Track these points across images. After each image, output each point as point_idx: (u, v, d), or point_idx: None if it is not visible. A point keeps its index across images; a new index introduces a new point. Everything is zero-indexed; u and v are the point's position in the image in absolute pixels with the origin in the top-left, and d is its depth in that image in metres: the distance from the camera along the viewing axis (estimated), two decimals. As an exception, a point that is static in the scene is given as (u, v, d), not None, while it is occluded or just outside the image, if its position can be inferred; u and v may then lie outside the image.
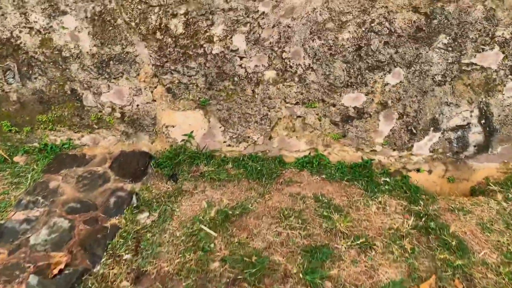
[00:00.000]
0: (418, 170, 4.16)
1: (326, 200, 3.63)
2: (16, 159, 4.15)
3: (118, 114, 4.16)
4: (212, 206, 3.52)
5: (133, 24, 3.72)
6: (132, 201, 3.53)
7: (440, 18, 3.51)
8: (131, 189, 3.68)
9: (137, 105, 4.11)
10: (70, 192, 3.62)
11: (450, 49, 3.61)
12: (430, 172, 4.16)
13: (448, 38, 3.58)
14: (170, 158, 4.07)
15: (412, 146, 4.08)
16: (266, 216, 3.41)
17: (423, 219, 3.40)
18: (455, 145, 4.02)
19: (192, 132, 4.16)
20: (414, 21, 3.54)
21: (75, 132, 4.27)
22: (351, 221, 3.37)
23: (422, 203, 3.63)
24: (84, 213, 3.36)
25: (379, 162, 4.17)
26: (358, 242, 3.15)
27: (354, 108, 3.96)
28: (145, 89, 4.03)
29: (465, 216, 3.47)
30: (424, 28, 3.56)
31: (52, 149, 4.21)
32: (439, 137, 4.00)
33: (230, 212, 3.42)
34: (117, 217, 3.35)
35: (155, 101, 4.08)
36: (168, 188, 3.79)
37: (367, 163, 4.13)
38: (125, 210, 3.41)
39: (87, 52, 3.87)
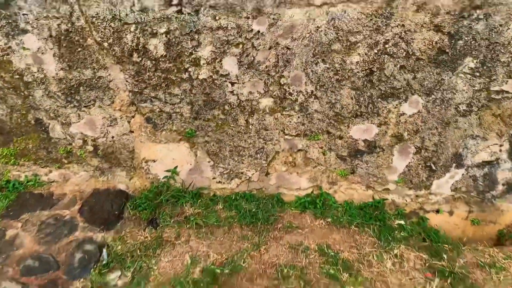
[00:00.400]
0: (437, 211, 3.61)
1: (332, 253, 3.06)
2: (-28, 198, 3.58)
3: (90, 147, 3.60)
4: (197, 262, 2.95)
5: (105, 44, 3.17)
6: (102, 257, 2.96)
7: (466, 38, 2.98)
8: (101, 240, 3.11)
9: (112, 137, 3.55)
10: (29, 244, 3.05)
11: (477, 74, 3.07)
12: (451, 213, 3.60)
13: (475, 61, 3.04)
14: (150, 199, 3.50)
15: (431, 184, 3.53)
16: (261, 277, 2.84)
17: (449, 279, 2.84)
18: (481, 183, 3.47)
19: (176, 167, 3.60)
20: (436, 42, 3.01)
21: (41, 167, 3.70)
22: (363, 283, 2.81)
23: (445, 256, 3.07)
24: (42, 274, 2.79)
25: (392, 202, 3.62)
26: (373, 313, 2.59)
27: (364, 141, 3.41)
28: (121, 118, 3.47)
29: (498, 274, 2.91)
30: (447, 50, 3.02)
31: (15, 186, 3.64)
32: (463, 174, 3.46)
33: (218, 271, 2.86)
34: (81, 280, 2.78)
35: (132, 132, 3.52)
36: (146, 237, 3.22)
37: (379, 203, 3.58)
38: (92, 270, 2.84)
39: (52, 77, 3.32)
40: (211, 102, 3.35)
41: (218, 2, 3.00)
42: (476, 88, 3.12)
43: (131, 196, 3.60)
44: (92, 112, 3.45)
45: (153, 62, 3.22)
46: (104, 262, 2.92)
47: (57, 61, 3.25)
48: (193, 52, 3.17)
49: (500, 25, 2.91)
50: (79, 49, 3.20)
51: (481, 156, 3.38)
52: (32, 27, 3.13)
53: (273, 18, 3.03)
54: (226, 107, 3.37)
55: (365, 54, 3.09)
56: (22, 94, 3.40)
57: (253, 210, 3.48)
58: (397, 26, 2.98)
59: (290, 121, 3.40)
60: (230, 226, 3.34)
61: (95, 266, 2.87)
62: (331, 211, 3.53)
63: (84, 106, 3.43)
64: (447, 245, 3.22)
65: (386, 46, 3.06)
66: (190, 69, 3.24)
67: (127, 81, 3.30)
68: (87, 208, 3.40)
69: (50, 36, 3.16)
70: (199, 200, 3.59)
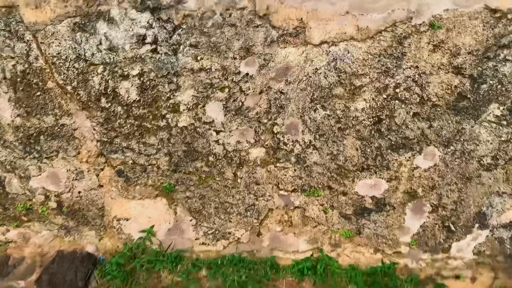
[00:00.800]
0: (457, 278, 3.10)
1: None
2: None
3: (53, 204, 3.10)
4: None
5: (69, 88, 2.72)
6: None
7: (491, 82, 2.55)
8: (58, 323, 2.58)
9: (79, 192, 3.06)
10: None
11: (504, 122, 2.63)
12: (473, 280, 3.10)
13: (502, 108, 2.61)
14: (122, 265, 2.98)
15: (450, 246, 3.04)
16: None
17: None
18: (508, 246, 2.98)
19: (152, 227, 3.10)
20: (455, 86, 2.57)
21: (-3, 226, 3.20)
22: None
23: None
24: None
25: (404, 266, 3.11)
26: None
27: (372, 198, 2.93)
28: (88, 171, 2.99)
29: None
30: (469, 96, 2.59)
31: (-34, 248, 3.13)
32: (487, 236, 2.98)
33: None
34: None
35: (102, 187, 3.04)
36: (114, 317, 2.70)
37: (389, 268, 3.08)
38: None
39: (8, 124, 2.85)
40: (192, 152, 2.89)
41: (199, 40, 2.56)
42: (502, 139, 2.67)
43: (99, 261, 3.08)
44: (55, 164, 2.97)
45: (125, 108, 2.76)
46: None
47: (13, 106, 2.79)
48: (171, 96, 2.72)
49: (531, 67, 2.48)
50: (39, 93, 2.75)
51: (508, 216, 2.90)
52: (-17, 68, 2.69)
53: (264, 59, 2.59)
54: (211, 158, 2.90)
55: (372, 99, 2.65)
56: (-27, 143, 2.93)
57: (243, 278, 2.97)
58: (409, 67, 2.55)
59: (285, 175, 2.92)
60: (215, 300, 2.83)
61: None
62: (333, 279, 3.02)
63: (46, 158, 2.95)
64: (473, 325, 2.71)
65: (397, 90, 2.61)
66: (168, 116, 2.78)
67: (94, 129, 2.84)
68: (46, 278, 2.88)
69: (4, 78, 2.71)
70: (179, 265, 3.08)
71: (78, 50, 2.62)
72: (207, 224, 3.11)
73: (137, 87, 2.70)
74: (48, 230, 3.19)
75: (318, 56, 2.57)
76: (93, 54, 2.62)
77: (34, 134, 2.88)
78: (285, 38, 2.54)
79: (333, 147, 2.81)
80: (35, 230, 3.19)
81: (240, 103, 2.73)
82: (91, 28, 2.57)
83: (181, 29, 2.55)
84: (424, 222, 2.98)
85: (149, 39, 2.57)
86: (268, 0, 2.44)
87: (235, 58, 2.60)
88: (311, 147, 2.83)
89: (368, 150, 2.79)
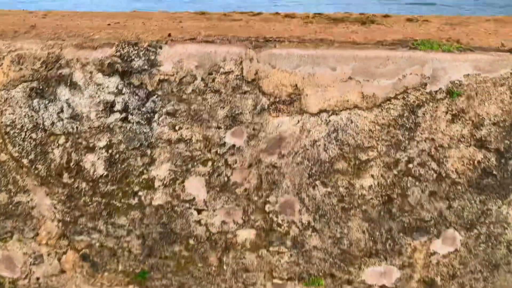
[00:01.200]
0: None
1: None
2: None
3: (7, 292, 2.67)
4: None
5: (25, 161, 2.34)
6: None
7: (521, 157, 2.17)
8: None
9: (37, 279, 2.63)
10: None
11: (537, 203, 2.23)
12: None
13: (534, 187, 2.22)
14: None
15: None
16: None
17: None
18: None
19: (124, 320, 2.65)
20: (479, 162, 2.21)
21: None
22: None
23: None
24: None
25: None
26: None
27: (382, 287, 2.50)
28: (48, 255, 2.57)
29: None
30: (494, 172, 2.23)
31: None
32: (519, 333, 2.53)
33: None
34: None
35: (64, 272, 2.60)
36: None
37: None
38: None
39: (-46, 202, 2.45)
40: (170, 234, 2.48)
41: (177, 108, 2.20)
42: (535, 221, 2.28)
43: None
44: (9, 246, 2.55)
45: (90, 184, 2.37)
46: None
47: (-40, 181, 2.40)
48: (145, 171, 2.34)
49: None
50: (-10, 167, 2.37)
51: (544, 310, 2.47)
52: None
53: (254, 129, 2.22)
54: (191, 241, 2.48)
55: (381, 176, 2.27)
56: None
57: None
58: (424, 140, 2.19)
59: (280, 260, 2.50)
60: None
61: None
62: None
63: (-2, 239, 2.54)
64: None
65: (410, 166, 2.24)
66: (140, 193, 2.39)
67: (55, 207, 2.44)
68: None
69: (-50, 150, 2.33)
70: None
71: (36, 119, 2.26)
72: (188, 316, 2.66)
73: (104, 161, 2.32)
74: (1, 322, 2.74)
75: (316, 126, 2.20)
76: (53, 123, 2.26)
77: (-15, 213, 2.48)
78: (277, 106, 2.18)
79: (336, 229, 2.40)
80: (-15, 322, 2.73)
81: (226, 178, 2.34)
82: (50, 94, 2.22)
83: (156, 96, 2.19)
84: (445, 316, 2.55)
85: (118, 107, 2.22)
86: (257, 64, 2.10)
87: (219, 128, 2.23)
88: (310, 229, 2.42)
89: (377, 233, 2.39)
